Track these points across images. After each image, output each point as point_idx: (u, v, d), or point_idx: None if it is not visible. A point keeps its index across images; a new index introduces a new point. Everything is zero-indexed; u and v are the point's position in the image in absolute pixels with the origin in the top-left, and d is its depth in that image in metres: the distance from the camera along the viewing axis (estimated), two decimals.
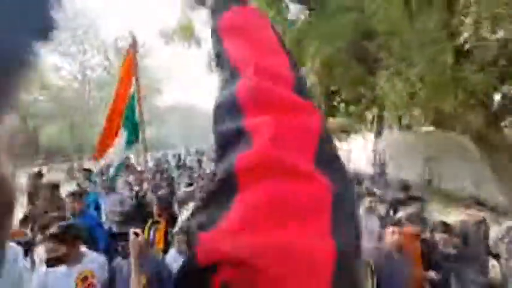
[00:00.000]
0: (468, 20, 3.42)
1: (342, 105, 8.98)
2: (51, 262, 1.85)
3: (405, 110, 5.07)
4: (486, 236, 3.28)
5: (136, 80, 3.99)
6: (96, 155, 4.39)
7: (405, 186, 4.65)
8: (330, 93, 8.18)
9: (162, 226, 3.08)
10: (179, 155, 13.83)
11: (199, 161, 10.87)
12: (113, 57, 24.39)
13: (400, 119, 9.01)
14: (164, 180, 5.90)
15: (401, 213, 3.49)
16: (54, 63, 23.75)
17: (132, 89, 4.03)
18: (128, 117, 4.02)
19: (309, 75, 5.20)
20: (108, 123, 4.07)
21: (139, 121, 3.99)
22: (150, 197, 3.89)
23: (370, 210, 3.49)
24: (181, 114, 50.38)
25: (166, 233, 3.05)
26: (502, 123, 5.43)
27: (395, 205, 4.06)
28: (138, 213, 3.60)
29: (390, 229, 2.50)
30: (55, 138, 20.56)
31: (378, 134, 13.06)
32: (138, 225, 2.49)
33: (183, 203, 3.71)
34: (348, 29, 4.38)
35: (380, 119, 11.90)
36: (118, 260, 2.25)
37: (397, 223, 2.65)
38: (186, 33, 7.33)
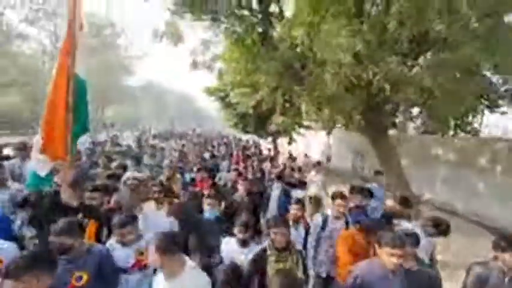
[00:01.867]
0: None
1: (304, 105, 9.04)
2: None
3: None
4: None
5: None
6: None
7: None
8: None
9: (92, 223, 2.71)
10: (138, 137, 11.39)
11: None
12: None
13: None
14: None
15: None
16: (25, 31, 21.07)
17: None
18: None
19: (268, 81, 5.95)
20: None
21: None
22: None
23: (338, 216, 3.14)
24: (153, 94, 46.84)
25: (97, 231, 2.69)
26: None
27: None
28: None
29: None
30: (16, 108, 18.27)
31: (329, 132, 13.63)
32: None
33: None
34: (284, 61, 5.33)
35: (333, 120, 12.26)
36: None
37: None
38: (174, 36, 6.50)
